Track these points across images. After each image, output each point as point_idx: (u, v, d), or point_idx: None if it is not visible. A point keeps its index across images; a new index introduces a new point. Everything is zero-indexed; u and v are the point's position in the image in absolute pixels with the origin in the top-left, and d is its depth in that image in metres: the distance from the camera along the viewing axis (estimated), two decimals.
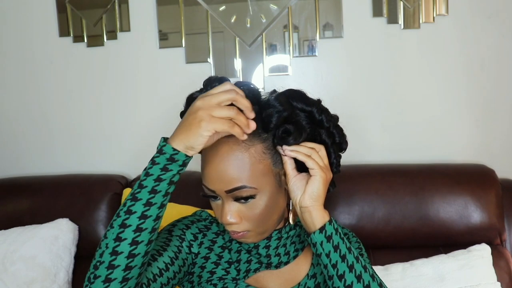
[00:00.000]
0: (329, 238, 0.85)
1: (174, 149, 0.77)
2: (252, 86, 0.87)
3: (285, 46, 1.80)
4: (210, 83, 0.86)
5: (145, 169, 0.79)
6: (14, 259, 1.53)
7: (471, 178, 1.57)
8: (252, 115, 0.81)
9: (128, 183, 1.77)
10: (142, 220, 0.77)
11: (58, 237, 1.58)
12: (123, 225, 0.77)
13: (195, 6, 1.79)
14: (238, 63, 1.81)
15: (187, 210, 1.48)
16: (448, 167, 1.64)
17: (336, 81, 1.81)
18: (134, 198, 0.78)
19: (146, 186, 0.78)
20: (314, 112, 0.88)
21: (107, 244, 0.78)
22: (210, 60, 1.81)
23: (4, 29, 1.88)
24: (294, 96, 0.88)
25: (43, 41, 1.87)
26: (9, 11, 1.87)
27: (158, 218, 0.79)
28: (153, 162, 0.78)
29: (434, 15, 1.74)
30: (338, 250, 0.85)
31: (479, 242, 1.50)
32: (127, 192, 1.67)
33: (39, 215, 1.65)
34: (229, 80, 0.86)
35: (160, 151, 0.78)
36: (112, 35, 1.84)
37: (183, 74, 1.83)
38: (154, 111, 1.85)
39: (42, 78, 1.89)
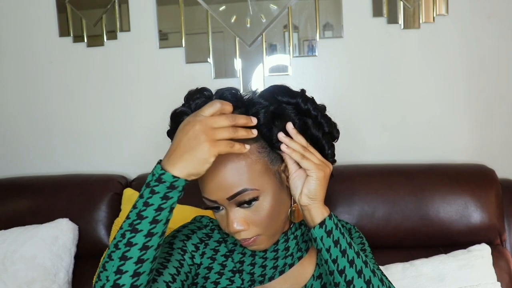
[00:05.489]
0: (329, 233, 0.84)
1: (174, 177, 0.74)
2: (233, 90, 0.85)
3: (285, 46, 1.80)
4: (191, 97, 0.85)
5: (141, 197, 0.76)
6: (14, 259, 1.53)
7: (471, 178, 1.58)
8: (254, 120, 0.80)
9: (128, 183, 1.77)
10: (143, 252, 0.75)
11: (58, 237, 1.58)
12: (124, 258, 0.75)
13: (195, 6, 1.79)
14: (238, 63, 1.81)
15: (187, 210, 1.48)
16: (448, 167, 1.64)
17: (336, 81, 1.81)
18: (134, 229, 0.75)
19: (146, 217, 0.75)
20: (300, 102, 0.86)
21: (107, 277, 0.75)
22: (210, 60, 1.81)
23: (4, 29, 1.88)
24: (277, 91, 0.86)
25: (43, 41, 1.87)
26: (9, 11, 1.86)
27: (159, 246, 0.77)
28: (152, 191, 0.75)
29: (434, 15, 1.74)
30: (339, 245, 0.84)
31: (479, 242, 1.50)
32: (127, 192, 1.67)
33: (39, 215, 1.65)
34: (211, 92, 0.85)
35: (159, 180, 0.74)
36: (112, 35, 1.84)
37: (183, 74, 1.83)
38: (154, 111, 1.85)
39: (42, 78, 1.89)
